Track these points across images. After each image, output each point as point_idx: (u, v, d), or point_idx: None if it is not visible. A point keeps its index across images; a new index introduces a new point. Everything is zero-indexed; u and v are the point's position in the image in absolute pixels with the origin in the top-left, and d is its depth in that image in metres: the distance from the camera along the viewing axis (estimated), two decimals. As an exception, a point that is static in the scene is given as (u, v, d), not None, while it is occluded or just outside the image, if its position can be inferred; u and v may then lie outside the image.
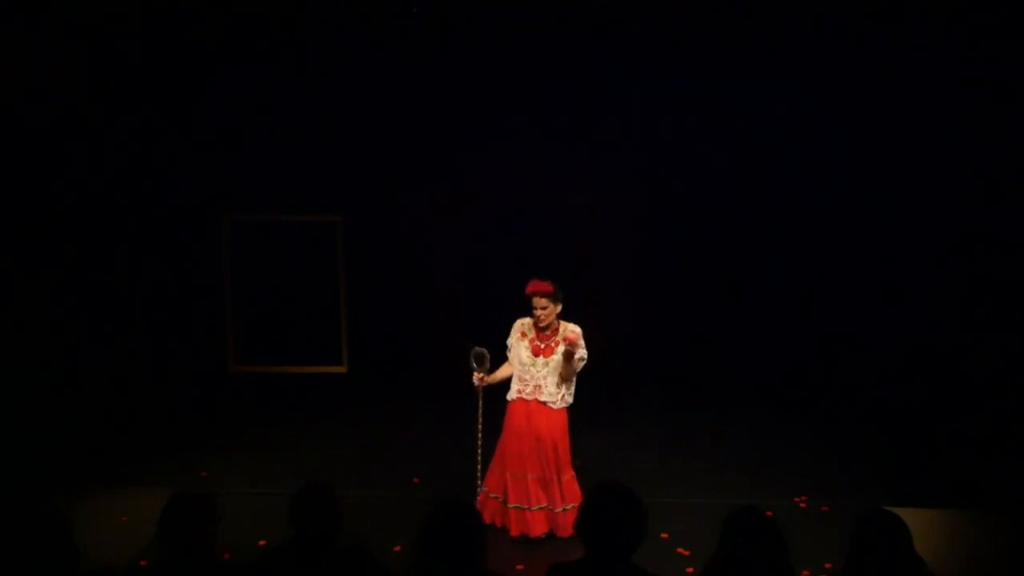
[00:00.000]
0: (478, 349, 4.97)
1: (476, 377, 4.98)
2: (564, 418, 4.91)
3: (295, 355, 8.27)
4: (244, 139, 7.76)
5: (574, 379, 4.90)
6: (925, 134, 7.18)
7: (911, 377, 7.25)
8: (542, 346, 4.84)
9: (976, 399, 6.90)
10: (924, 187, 7.32)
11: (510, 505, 4.89)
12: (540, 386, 4.84)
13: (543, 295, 4.73)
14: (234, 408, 7.60)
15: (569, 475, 4.92)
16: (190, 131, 7.64)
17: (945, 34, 6.53)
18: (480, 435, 5.03)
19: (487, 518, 4.85)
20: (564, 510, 4.85)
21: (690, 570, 4.53)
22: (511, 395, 4.94)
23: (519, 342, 4.91)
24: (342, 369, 8.32)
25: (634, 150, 7.92)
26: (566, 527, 4.81)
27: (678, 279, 8.16)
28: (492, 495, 4.98)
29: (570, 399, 4.92)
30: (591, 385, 5.19)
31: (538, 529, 4.86)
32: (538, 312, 4.76)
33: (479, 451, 5.04)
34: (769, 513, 2.67)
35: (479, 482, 5.05)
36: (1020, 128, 6.72)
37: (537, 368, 4.83)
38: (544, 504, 4.86)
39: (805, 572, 4.32)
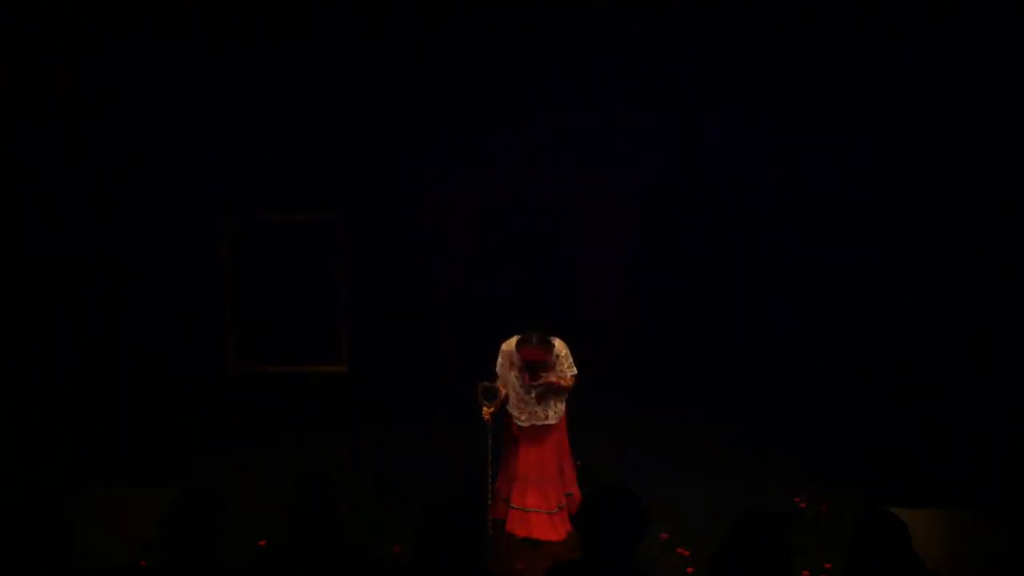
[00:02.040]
0: (486, 384, 4.87)
1: (486, 412, 4.86)
2: (563, 428, 5.02)
3: (295, 355, 8.27)
4: (244, 139, 7.75)
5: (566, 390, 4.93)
6: (925, 134, 7.17)
7: (911, 377, 7.24)
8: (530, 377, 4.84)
9: (976, 399, 6.90)
10: (925, 187, 7.32)
11: (513, 505, 4.93)
12: (536, 411, 4.89)
13: (540, 365, 4.72)
14: (234, 408, 7.60)
15: (568, 463, 5.05)
16: (189, 131, 7.63)
17: (945, 34, 6.52)
18: (490, 470, 4.88)
19: (498, 516, 4.94)
20: (559, 509, 4.89)
21: (690, 570, 4.54)
22: (511, 409, 4.97)
23: (509, 371, 4.90)
24: (342, 369, 8.32)
25: (634, 151, 7.91)
26: (561, 528, 4.86)
27: (678, 278, 8.15)
28: (502, 497, 5.03)
29: (563, 406, 4.97)
30: (592, 385, 5.19)
31: (541, 533, 4.87)
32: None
33: (490, 483, 4.89)
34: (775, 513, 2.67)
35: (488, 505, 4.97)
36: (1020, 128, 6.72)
37: (531, 396, 4.87)
38: (542, 508, 4.88)
39: (805, 572, 4.33)
